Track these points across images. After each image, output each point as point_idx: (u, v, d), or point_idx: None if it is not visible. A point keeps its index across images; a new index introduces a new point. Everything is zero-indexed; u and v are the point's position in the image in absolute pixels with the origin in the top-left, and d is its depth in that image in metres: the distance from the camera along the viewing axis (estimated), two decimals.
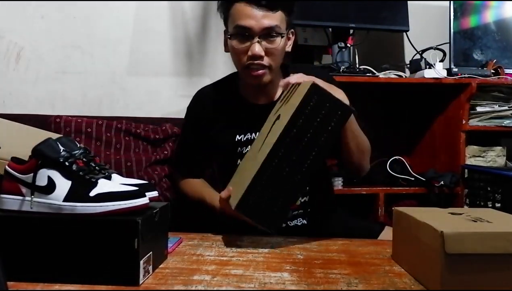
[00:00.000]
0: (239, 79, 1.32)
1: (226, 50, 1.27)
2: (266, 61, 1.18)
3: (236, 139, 1.27)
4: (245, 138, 1.27)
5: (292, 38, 1.28)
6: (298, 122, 0.96)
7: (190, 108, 1.37)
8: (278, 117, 1.05)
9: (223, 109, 1.30)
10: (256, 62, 1.17)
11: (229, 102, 1.31)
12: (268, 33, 1.16)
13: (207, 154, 1.34)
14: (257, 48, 1.15)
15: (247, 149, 1.26)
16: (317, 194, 1.28)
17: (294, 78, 1.07)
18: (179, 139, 1.45)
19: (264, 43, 1.16)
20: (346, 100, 1.06)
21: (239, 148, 1.27)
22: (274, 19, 1.16)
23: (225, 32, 1.26)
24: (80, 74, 1.89)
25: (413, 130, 2.10)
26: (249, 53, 1.16)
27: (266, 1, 1.14)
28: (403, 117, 2.12)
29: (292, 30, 1.28)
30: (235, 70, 1.33)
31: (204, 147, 1.33)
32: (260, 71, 1.18)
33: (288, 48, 1.26)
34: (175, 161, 1.46)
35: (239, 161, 1.27)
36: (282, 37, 1.19)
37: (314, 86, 0.96)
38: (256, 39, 1.15)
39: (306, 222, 1.26)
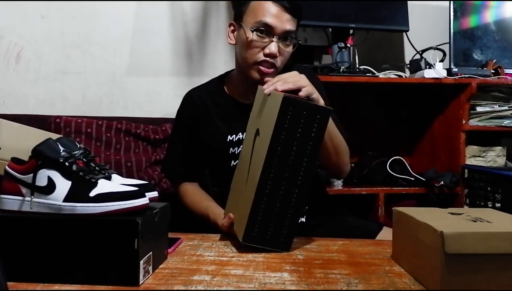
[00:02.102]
0: (227, 79, 1.34)
1: (230, 42, 1.29)
2: (277, 62, 1.21)
3: (228, 140, 1.27)
4: (236, 138, 1.27)
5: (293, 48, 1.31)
6: (280, 139, 0.94)
7: (180, 111, 1.36)
8: (257, 132, 1.04)
9: (213, 110, 1.31)
10: (270, 61, 1.20)
11: (218, 103, 1.32)
12: (285, 36, 1.21)
13: (200, 155, 1.34)
14: (275, 47, 1.19)
15: (239, 149, 1.26)
16: (311, 193, 1.29)
17: (269, 86, 1.03)
18: (170, 143, 1.41)
19: (280, 44, 1.20)
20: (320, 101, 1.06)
21: (231, 149, 1.27)
22: (293, 25, 1.21)
23: (232, 24, 1.28)
24: (80, 74, 1.90)
25: (413, 130, 2.10)
26: (266, 50, 1.19)
27: (293, 7, 1.20)
28: (403, 117, 2.12)
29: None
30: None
31: (197, 149, 1.32)
32: (270, 69, 1.21)
33: None
34: (168, 166, 1.40)
35: (232, 162, 1.27)
36: (296, 43, 1.24)
37: (285, 99, 0.94)
38: (276, 38, 1.19)
39: (304, 220, 1.26)
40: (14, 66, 1.86)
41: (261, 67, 1.20)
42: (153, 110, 1.91)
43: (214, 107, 1.31)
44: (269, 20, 1.18)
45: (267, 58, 1.19)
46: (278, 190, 0.96)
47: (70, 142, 0.85)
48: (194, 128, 1.32)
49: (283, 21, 1.19)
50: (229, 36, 1.29)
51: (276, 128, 0.94)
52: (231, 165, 1.27)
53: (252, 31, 1.20)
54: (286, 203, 0.97)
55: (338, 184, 1.76)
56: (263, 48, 1.19)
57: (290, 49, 1.23)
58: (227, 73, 1.37)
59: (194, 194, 1.32)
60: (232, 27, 1.29)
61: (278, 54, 1.19)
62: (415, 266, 0.83)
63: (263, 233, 0.97)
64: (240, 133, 1.27)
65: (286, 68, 1.33)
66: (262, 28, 1.19)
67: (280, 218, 0.97)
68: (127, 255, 0.77)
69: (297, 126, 0.94)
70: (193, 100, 1.34)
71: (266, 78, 1.09)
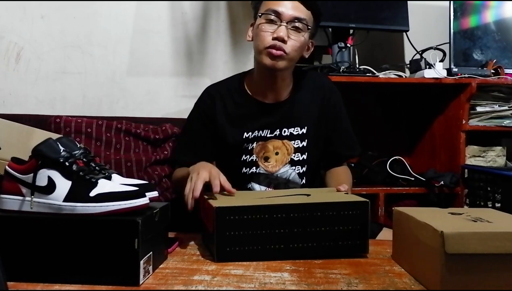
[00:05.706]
0: (248, 77, 1.36)
1: (248, 39, 1.32)
2: (286, 47, 1.22)
3: (244, 137, 1.31)
4: (252, 136, 1.31)
5: (311, 49, 1.33)
6: (319, 211, 0.95)
7: (198, 103, 1.38)
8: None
9: (231, 108, 1.33)
10: (278, 44, 1.22)
11: (237, 101, 1.34)
12: (295, 23, 1.23)
13: (211, 149, 1.34)
14: (283, 31, 1.21)
15: (253, 145, 1.30)
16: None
17: None
18: (182, 132, 1.43)
19: (289, 30, 1.22)
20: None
21: (245, 144, 1.31)
22: (303, 13, 1.24)
23: (252, 24, 1.31)
24: (80, 74, 1.89)
25: (413, 130, 2.10)
26: (275, 34, 1.22)
27: None
28: (403, 117, 2.12)
29: (313, 41, 1.33)
30: (235, 70, 1.34)
31: (209, 142, 1.34)
32: (279, 52, 1.22)
33: (306, 55, 1.31)
34: (176, 153, 1.43)
35: (243, 156, 1.31)
36: (308, 30, 1.25)
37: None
38: (284, 23, 1.22)
39: None
40: (14, 66, 1.86)
41: (270, 50, 1.22)
42: (153, 110, 1.91)
43: (232, 104, 1.34)
44: (276, 7, 1.22)
45: (276, 42, 1.21)
46: (278, 223, 0.95)
47: (70, 142, 0.85)
48: (210, 123, 1.34)
49: (291, 8, 1.22)
50: (248, 34, 1.32)
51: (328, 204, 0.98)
52: (241, 159, 1.31)
53: (260, 16, 1.24)
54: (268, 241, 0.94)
55: None
56: (272, 34, 1.22)
57: (301, 37, 1.24)
58: (248, 71, 1.39)
59: (183, 169, 1.30)
60: (251, 27, 1.32)
61: (286, 38, 1.21)
62: (415, 266, 0.83)
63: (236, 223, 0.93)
64: (256, 131, 1.30)
65: (300, 74, 1.36)
66: (271, 15, 1.22)
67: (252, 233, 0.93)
68: (127, 255, 0.77)
69: (341, 225, 0.98)
70: (212, 96, 1.36)
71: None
